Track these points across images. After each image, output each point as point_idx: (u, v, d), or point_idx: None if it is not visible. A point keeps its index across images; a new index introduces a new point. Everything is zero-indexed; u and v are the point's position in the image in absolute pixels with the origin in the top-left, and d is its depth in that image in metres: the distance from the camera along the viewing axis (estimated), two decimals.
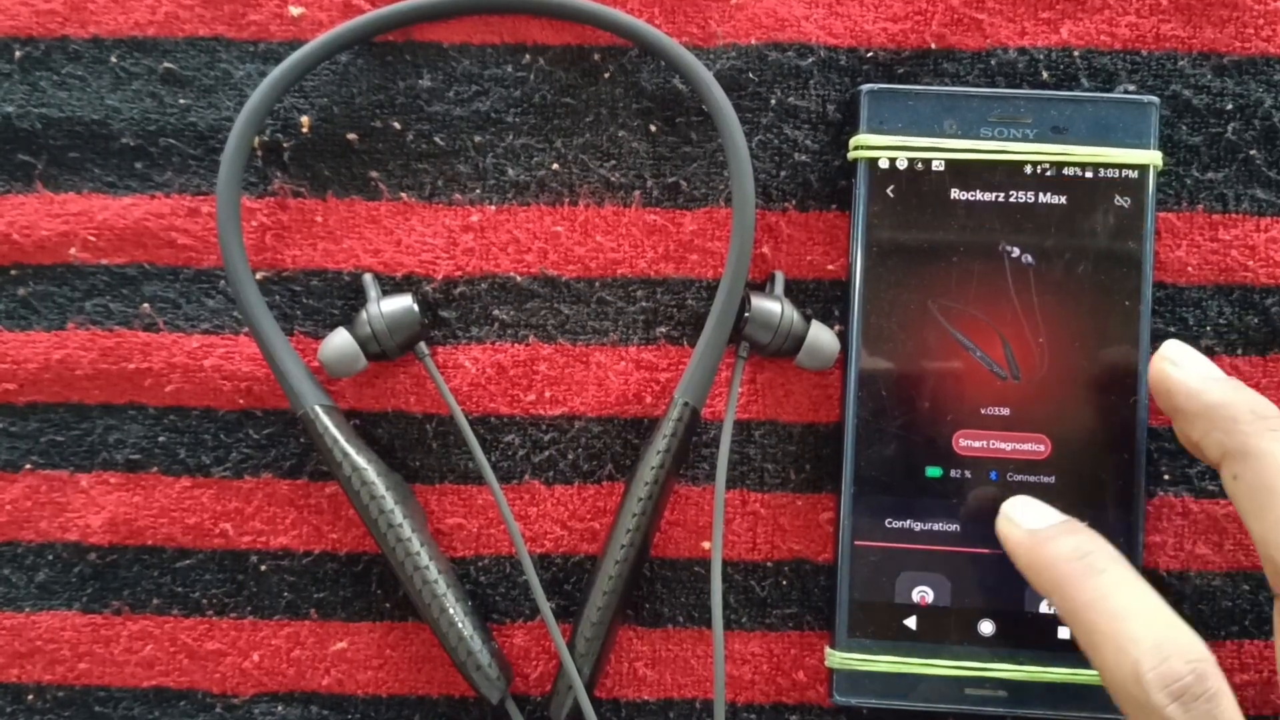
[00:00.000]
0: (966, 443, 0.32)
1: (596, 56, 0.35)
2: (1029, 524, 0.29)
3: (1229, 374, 0.34)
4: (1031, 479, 0.32)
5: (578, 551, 0.34)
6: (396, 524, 0.32)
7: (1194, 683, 0.24)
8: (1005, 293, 0.32)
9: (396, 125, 0.35)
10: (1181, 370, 0.29)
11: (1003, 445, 0.32)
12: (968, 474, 0.32)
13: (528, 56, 0.35)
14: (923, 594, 0.32)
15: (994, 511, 0.30)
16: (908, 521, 0.32)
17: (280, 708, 0.34)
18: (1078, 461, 0.32)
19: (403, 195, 0.35)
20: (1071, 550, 0.28)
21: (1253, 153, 0.34)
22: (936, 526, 0.32)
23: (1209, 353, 0.34)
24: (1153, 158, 0.32)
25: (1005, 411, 0.32)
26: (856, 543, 0.32)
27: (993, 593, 0.32)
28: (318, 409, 0.32)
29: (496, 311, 0.35)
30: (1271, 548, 0.26)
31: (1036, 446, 0.32)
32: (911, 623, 0.32)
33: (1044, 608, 0.32)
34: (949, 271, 0.32)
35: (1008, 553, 0.29)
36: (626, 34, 0.33)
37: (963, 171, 0.33)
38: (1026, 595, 0.32)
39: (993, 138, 0.33)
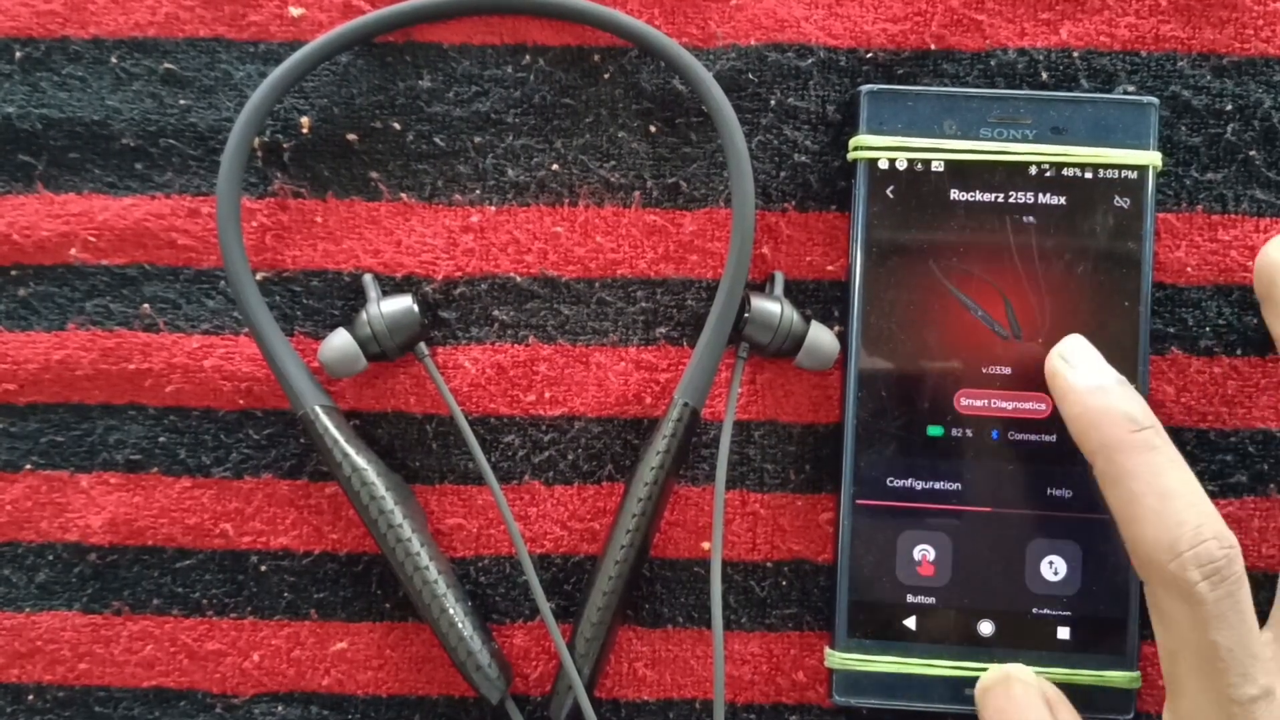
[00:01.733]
0: (968, 401, 0.32)
1: (596, 57, 0.35)
2: (1085, 373, 0.29)
3: (1229, 376, 0.34)
4: (1032, 438, 0.32)
5: (578, 552, 0.34)
6: (396, 524, 0.32)
7: (1225, 564, 0.26)
8: (1007, 251, 0.32)
9: (396, 126, 0.35)
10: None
11: (1004, 404, 0.32)
12: (969, 433, 0.32)
13: (527, 57, 0.35)
14: (924, 553, 0.32)
15: (995, 471, 0.31)
16: (909, 481, 0.32)
17: (280, 708, 0.34)
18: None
19: (403, 196, 0.35)
20: (1127, 417, 0.28)
21: (1252, 153, 0.34)
22: (938, 485, 0.32)
23: (1208, 354, 0.34)
24: (1152, 158, 0.32)
25: (1006, 371, 0.32)
26: (858, 501, 0.32)
27: (994, 552, 0.32)
28: (318, 409, 0.32)
29: (496, 312, 0.35)
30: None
31: (1037, 405, 0.32)
32: (911, 623, 0.32)
33: (1045, 572, 0.32)
34: (953, 237, 0.32)
35: (1054, 392, 0.30)
36: (626, 35, 0.33)
37: (962, 172, 0.33)
38: (1028, 553, 0.32)
39: (992, 138, 0.33)
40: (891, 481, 0.32)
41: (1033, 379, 0.32)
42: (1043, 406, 0.32)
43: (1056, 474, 0.32)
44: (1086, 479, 0.31)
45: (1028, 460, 0.32)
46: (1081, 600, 0.32)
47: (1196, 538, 0.26)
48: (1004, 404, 0.32)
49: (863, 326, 0.33)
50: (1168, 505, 0.27)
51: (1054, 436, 0.32)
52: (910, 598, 0.32)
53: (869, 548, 0.32)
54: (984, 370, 0.32)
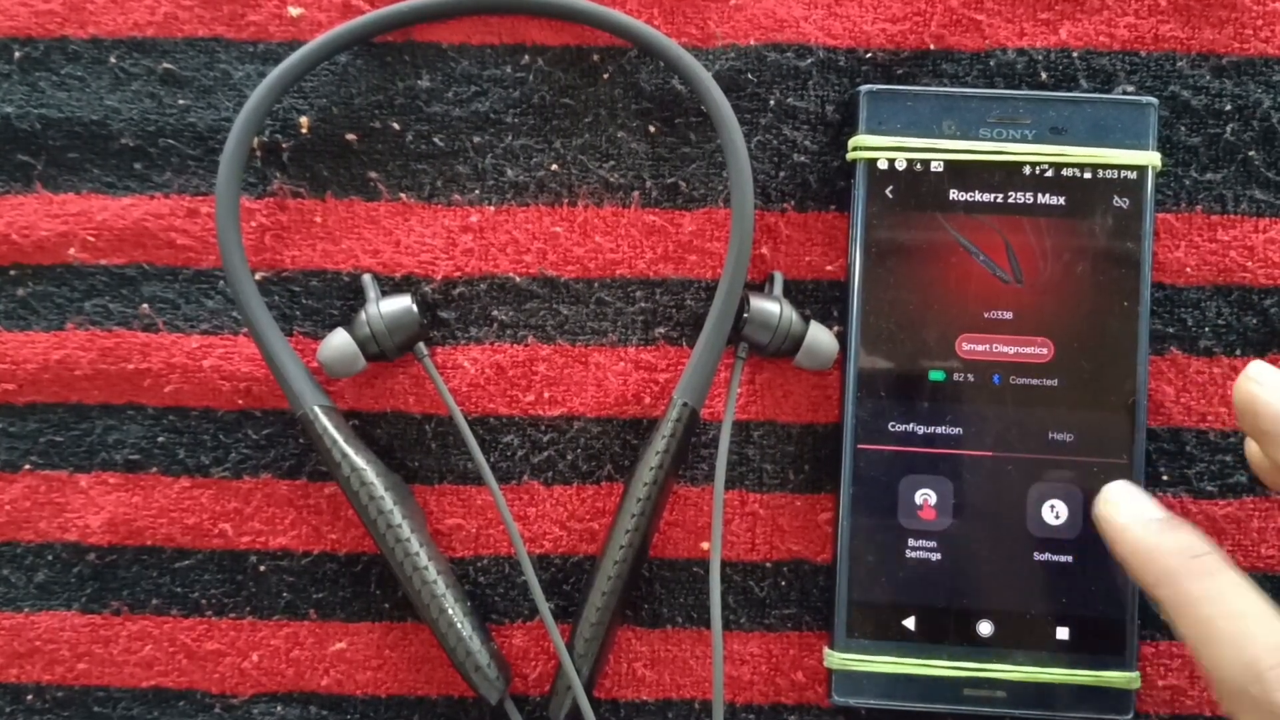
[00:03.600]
0: (969, 346, 0.32)
1: (596, 57, 0.35)
2: (1134, 510, 0.29)
3: (1229, 376, 0.34)
4: (1034, 382, 0.32)
5: (577, 552, 0.34)
6: (395, 524, 0.32)
7: None
8: (1007, 238, 0.32)
9: (396, 126, 0.35)
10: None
11: (1005, 349, 0.32)
12: (970, 377, 0.32)
13: (527, 57, 0.35)
14: (925, 497, 0.32)
15: (996, 414, 0.31)
16: (910, 425, 0.32)
17: (279, 708, 0.34)
18: (1080, 365, 0.32)
19: (402, 196, 0.35)
20: (1185, 546, 0.27)
21: (1251, 153, 0.34)
22: (939, 430, 0.32)
23: (1207, 354, 0.34)
24: (1151, 158, 0.32)
25: (1008, 315, 0.32)
26: (859, 446, 0.32)
27: (996, 496, 0.32)
28: (317, 409, 0.32)
29: (495, 312, 0.35)
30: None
31: (1039, 350, 0.32)
32: (910, 623, 0.32)
33: (1046, 516, 0.32)
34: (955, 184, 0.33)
35: (1107, 536, 0.29)
36: (626, 35, 0.33)
37: (961, 172, 0.33)
38: (1029, 498, 0.32)
39: (991, 139, 0.33)
40: (893, 426, 0.32)
41: (1034, 324, 0.32)
42: (1044, 351, 0.32)
43: (1058, 418, 0.32)
44: (1087, 423, 0.31)
45: (1029, 404, 0.32)
46: (1081, 597, 0.32)
47: (1278, 657, 0.25)
48: (1005, 348, 0.32)
49: (862, 326, 0.33)
50: (1242, 626, 0.26)
51: (1055, 381, 0.32)
52: (912, 542, 0.32)
53: (870, 491, 0.32)
54: (985, 315, 0.32)
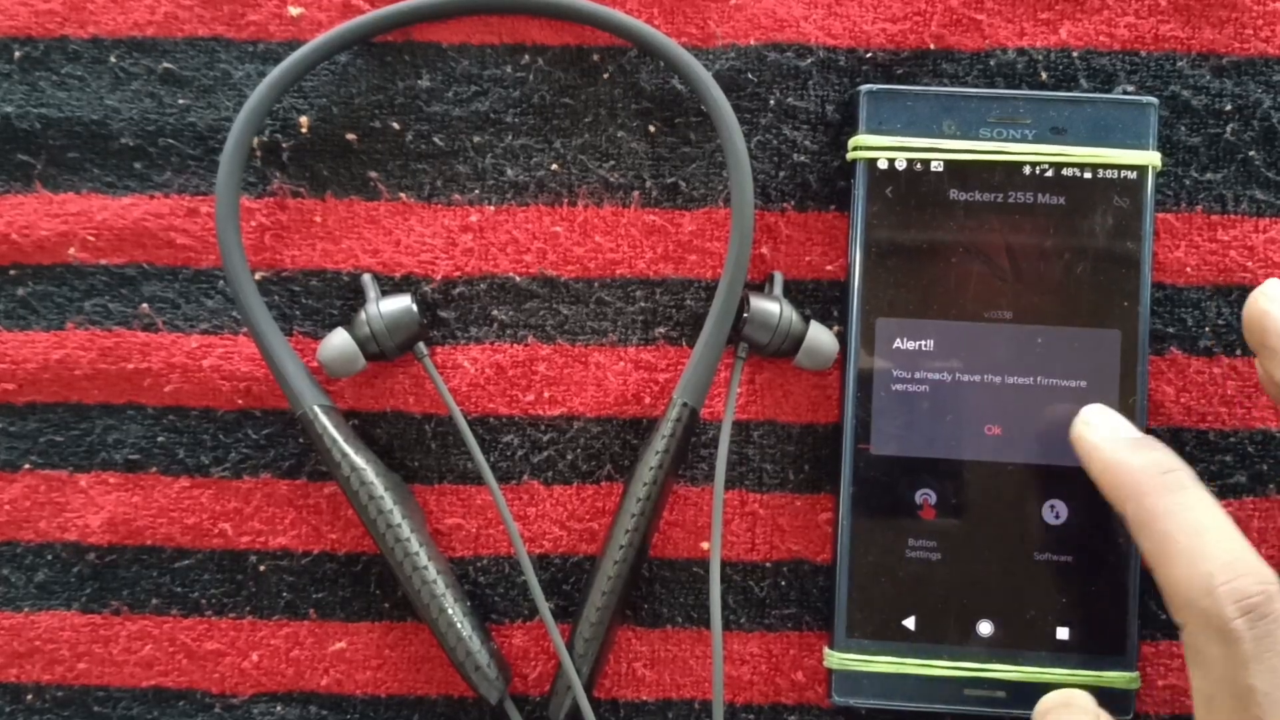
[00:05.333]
0: None
1: (596, 57, 0.35)
2: (1108, 428, 0.30)
3: (1228, 376, 0.34)
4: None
5: (576, 552, 0.34)
6: (395, 524, 0.32)
7: (1263, 601, 0.25)
8: (1006, 244, 0.33)
9: (395, 125, 0.35)
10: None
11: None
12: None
13: (527, 57, 0.35)
14: (925, 497, 0.32)
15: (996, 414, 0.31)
16: (910, 425, 0.32)
17: (279, 708, 0.34)
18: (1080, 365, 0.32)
19: (402, 195, 0.35)
20: (1154, 463, 0.28)
21: (1251, 153, 0.34)
22: (939, 430, 0.32)
23: (1207, 354, 0.34)
24: (1151, 158, 0.32)
25: (1008, 315, 0.32)
26: (859, 446, 0.32)
27: (994, 497, 0.32)
28: (317, 409, 0.32)
29: (495, 312, 0.35)
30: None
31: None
32: (910, 623, 0.32)
33: (1046, 516, 0.32)
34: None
35: (1082, 455, 0.30)
36: (626, 34, 0.33)
37: (962, 172, 0.33)
38: (1029, 498, 0.32)
39: (992, 138, 0.33)
40: (893, 426, 0.32)
41: (1034, 323, 0.32)
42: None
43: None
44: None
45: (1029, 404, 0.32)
46: (1081, 597, 0.32)
47: (1232, 573, 0.25)
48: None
49: (862, 326, 0.33)
50: (1200, 542, 0.26)
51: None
52: (912, 542, 0.32)
53: (870, 491, 0.32)
54: (985, 315, 0.32)
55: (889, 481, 0.32)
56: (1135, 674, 0.32)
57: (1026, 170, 0.33)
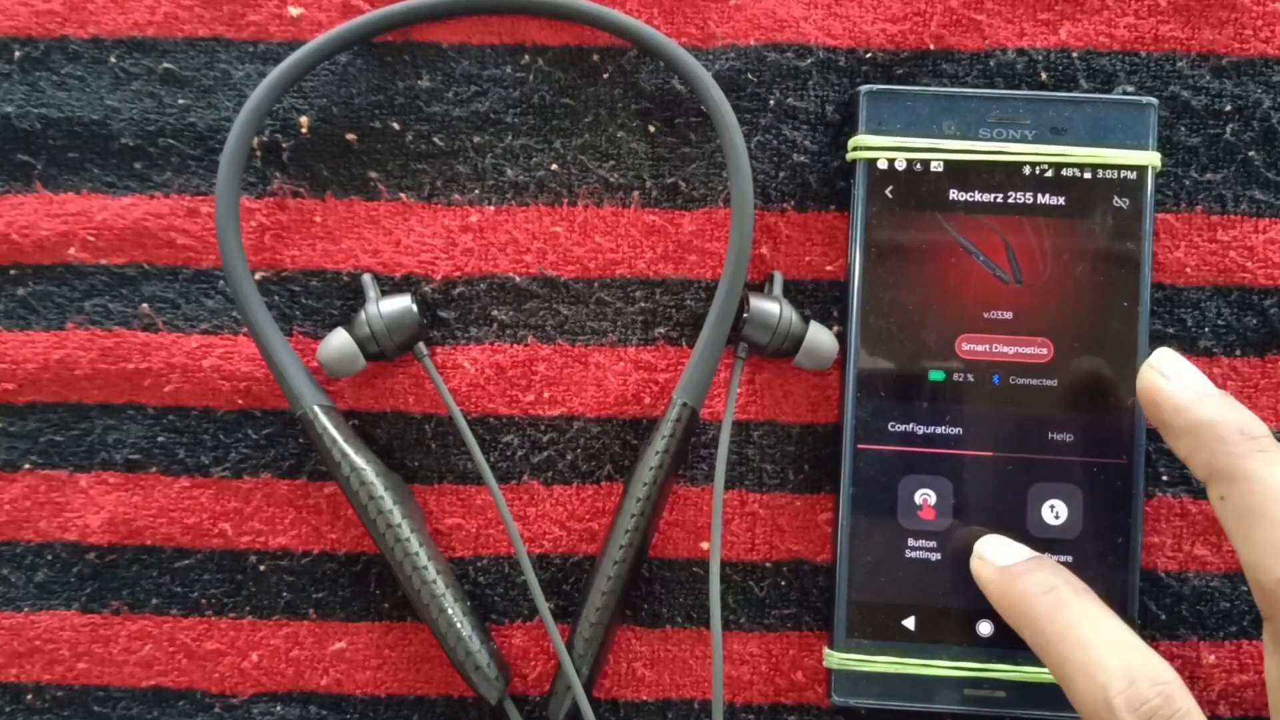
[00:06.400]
0: (969, 346, 0.32)
1: (595, 57, 0.35)
2: (1000, 561, 0.30)
3: (1229, 376, 0.34)
4: (1034, 382, 0.32)
5: (576, 552, 0.34)
6: (395, 524, 0.32)
7: (1162, 705, 0.25)
8: (1007, 238, 0.33)
9: (395, 126, 0.35)
10: (1171, 384, 0.28)
11: (1005, 349, 0.32)
12: (970, 377, 0.32)
13: (527, 57, 0.35)
14: (925, 497, 0.32)
15: (996, 414, 0.31)
16: (910, 425, 0.32)
17: (279, 708, 0.34)
18: (1080, 365, 0.32)
19: (402, 196, 0.35)
20: (1039, 585, 0.28)
21: (1251, 154, 0.34)
22: (939, 430, 0.32)
23: (1207, 354, 0.34)
24: (1151, 159, 0.32)
25: (1008, 315, 0.32)
26: (859, 446, 0.32)
27: (996, 496, 0.32)
28: (317, 409, 0.32)
29: (495, 312, 0.35)
30: (1259, 572, 0.26)
31: (1039, 350, 0.32)
32: (910, 623, 0.32)
33: (1046, 516, 0.32)
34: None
35: (982, 588, 0.30)
36: (625, 35, 0.33)
37: (961, 172, 0.33)
38: (1029, 498, 0.32)
39: (991, 139, 0.33)
40: (893, 426, 0.32)
41: (1034, 324, 0.32)
42: (1044, 351, 0.32)
43: (1058, 418, 0.32)
44: (1087, 423, 0.32)
45: (1029, 404, 0.32)
46: None
47: (1125, 681, 0.25)
48: (1005, 349, 0.32)
49: (862, 326, 0.33)
50: (1091, 656, 0.26)
51: (1055, 381, 0.32)
52: (912, 542, 0.32)
53: (870, 491, 0.32)
54: (985, 315, 0.32)
55: (889, 482, 0.32)
56: None
57: (1026, 170, 0.33)
